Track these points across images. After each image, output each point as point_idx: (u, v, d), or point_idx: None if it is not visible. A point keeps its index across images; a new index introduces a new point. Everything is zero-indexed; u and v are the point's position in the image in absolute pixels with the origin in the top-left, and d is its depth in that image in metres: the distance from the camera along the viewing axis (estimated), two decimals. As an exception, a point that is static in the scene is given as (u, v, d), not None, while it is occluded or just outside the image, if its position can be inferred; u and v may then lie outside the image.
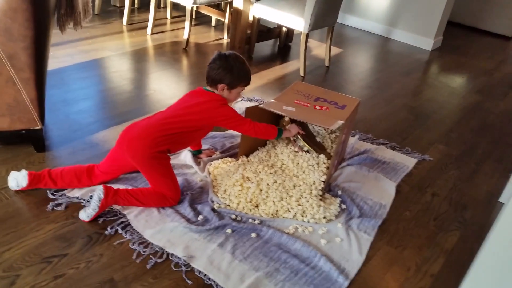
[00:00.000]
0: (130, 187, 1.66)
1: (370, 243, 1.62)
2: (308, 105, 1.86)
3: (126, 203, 1.57)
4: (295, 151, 1.93)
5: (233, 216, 1.64)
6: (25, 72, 1.64)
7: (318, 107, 1.85)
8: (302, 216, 1.67)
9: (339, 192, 1.84)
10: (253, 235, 1.56)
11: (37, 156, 1.81)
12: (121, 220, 1.54)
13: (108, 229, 1.50)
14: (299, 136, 1.94)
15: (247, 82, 1.71)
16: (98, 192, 1.50)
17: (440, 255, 1.65)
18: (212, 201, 1.70)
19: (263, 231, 1.58)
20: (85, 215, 1.52)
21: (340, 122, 1.73)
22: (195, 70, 2.92)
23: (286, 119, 2.00)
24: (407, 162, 2.20)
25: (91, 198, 1.55)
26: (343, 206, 1.78)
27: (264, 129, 1.73)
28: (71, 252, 1.40)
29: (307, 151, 1.94)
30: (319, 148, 1.98)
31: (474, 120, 2.85)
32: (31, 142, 1.83)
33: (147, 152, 1.55)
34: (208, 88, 1.70)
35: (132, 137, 1.56)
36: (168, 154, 1.63)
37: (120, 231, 1.50)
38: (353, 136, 2.33)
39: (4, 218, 1.49)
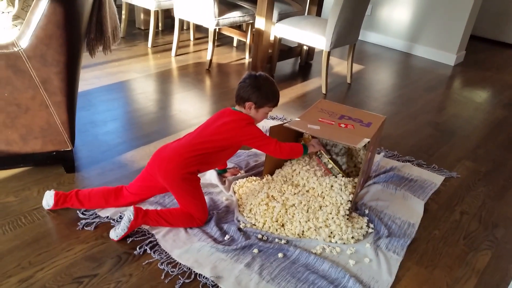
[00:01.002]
0: (159, 207, 1.69)
1: (399, 263, 1.59)
2: (333, 123, 1.86)
3: (155, 224, 1.59)
4: (318, 168, 1.92)
5: (260, 236, 1.64)
6: (57, 95, 1.70)
7: (343, 125, 1.85)
8: (330, 236, 1.65)
9: (366, 211, 1.82)
10: (280, 255, 1.55)
11: (67, 177, 1.85)
12: (150, 239, 1.56)
13: (137, 249, 1.51)
14: (323, 153, 1.93)
15: (275, 102, 1.72)
16: (128, 213, 1.53)
17: (472, 275, 1.60)
18: (238, 221, 1.71)
19: (290, 251, 1.57)
20: (114, 234, 1.54)
21: (366, 140, 1.72)
22: (218, 90, 2.97)
23: (306, 136, 2.01)
24: (435, 179, 2.16)
25: (120, 218, 1.58)
26: (371, 226, 1.75)
27: (289, 149, 1.73)
28: (101, 273, 1.42)
29: (331, 169, 1.93)
30: (338, 167, 1.96)
31: (501, 136, 2.79)
32: (61, 163, 1.88)
33: (178, 173, 1.57)
34: (236, 107, 1.71)
35: (163, 158, 1.60)
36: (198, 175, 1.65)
37: (148, 251, 1.52)
38: (379, 153, 2.31)
39: (36, 238, 1.52)
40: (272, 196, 1.78)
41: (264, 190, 1.80)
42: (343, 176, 1.89)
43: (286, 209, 1.71)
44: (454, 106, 3.22)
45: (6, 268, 1.39)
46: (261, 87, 1.66)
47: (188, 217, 1.61)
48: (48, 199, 1.62)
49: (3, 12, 1.80)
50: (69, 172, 1.87)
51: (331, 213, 1.70)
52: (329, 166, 1.93)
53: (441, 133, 2.74)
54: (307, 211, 1.70)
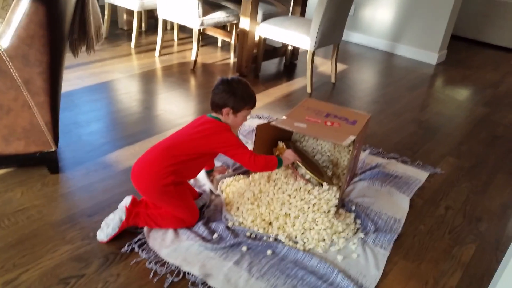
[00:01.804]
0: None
1: (386, 258, 1.61)
2: (319, 121, 1.87)
3: (144, 225, 1.58)
4: (295, 179, 1.84)
5: (248, 234, 1.63)
6: (40, 96, 1.67)
7: (329, 123, 1.86)
8: (319, 234, 1.65)
9: (353, 208, 1.84)
10: (269, 252, 1.55)
11: (52, 178, 1.82)
12: (138, 238, 1.55)
13: (126, 246, 1.50)
14: (299, 164, 1.83)
15: (252, 104, 1.68)
16: (120, 213, 1.52)
17: (458, 268, 1.63)
18: (226, 219, 1.70)
19: (279, 248, 1.58)
20: (103, 235, 1.52)
21: (352, 137, 1.74)
22: (203, 90, 2.96)
23: (281, 145, 1.95)
24: (419, 175, 2.19)
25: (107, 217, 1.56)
26: (358, 222, 1.77)
27: (264, 162, 1.67)
28: (88, 273, 1.40)
29: (309, 180, 1.84)
30: (319, 174, 1.88)
31: (483, 133, 2.85)
32: (45, 164, 1.85)
33: (153, 188, 1.54)
34: (213, 114, 1.66)
35: (137, 174, 1.56)
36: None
37: (136, 249, 1.50)
38: (364, 151, 2.34)
39: (20, 240, 1.49)
40: (258, 195, 1.77)
41: (251, 189, 1.80)
42: (326, 184, 1.81)
43: (272, 208, 1.71)
44: (437, 104, 3.28)
45: (-10, 270, 1.36)
46: (236, 91, 1.62)
47: (178, 220, 1.60)
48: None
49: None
50: (53, 173, 1.84)
51: (319, 211, 1.70)
52: (307, 176, 1.85)
53: (425, 130, 2.78)
54: (294, 208, 1.71)
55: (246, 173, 2.01)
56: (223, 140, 1.60)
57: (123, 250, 1.49)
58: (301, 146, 2.14)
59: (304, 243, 1.62)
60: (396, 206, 1.91)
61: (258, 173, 1.92)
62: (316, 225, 1.66)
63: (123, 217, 1.51)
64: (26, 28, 1.55)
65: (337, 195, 1.77)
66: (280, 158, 1.75)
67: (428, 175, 2.22)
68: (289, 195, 1.76)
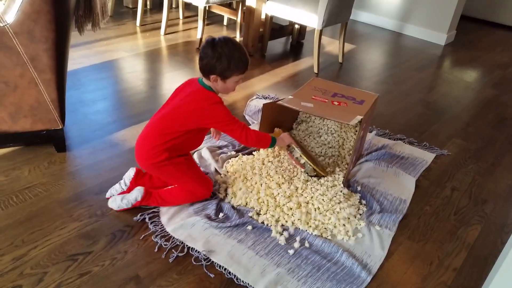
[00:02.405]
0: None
1: (391, 238, 1.62)
2: (326, 100, 1.86)
3: (156, 204, 1.60)
4: (291, 163, 1.82)
5: (251, 214, 1.63)
6: (47, 73, 1.66)
7: (336, 103, 1.84)
8: (324, 215, 1.65)
9: (359, 188, 1.84)
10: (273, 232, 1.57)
11: (58, 156, 1.83)
12: (152, 210, 1.59)
13: (138, 215, 1.54)
14: (295, 147, 1.79)
15: (241, 68, 1.49)
16: (137, 193, 1.55)
17: (462, 249, 1.63)
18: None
19: (284, 227, 1.59)
20: (115, 204, 1.56)
21: (359, 117, 1.73)
22: (209, 69, 2.93)
23: (277, 130, 1.92)
24: (426, 157, 2.18)
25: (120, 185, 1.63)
26: (363, 202, 1.77)
27: (255, 137, 1.58)
28: (95, 250, 1.41)
29: (303, 164, 1.79)
30: (314, 163, 1.82)
31: (491, 114, 2.82)
32: (52, 142, 1.85)
33: (149, 164, 1.53)
34: (204, 80, 1.53)
35: (136, 152, 1.57)
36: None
37: (147, 220, 1.53)
38: (370, 131, 2.32)
39: (29, 217, 1.51)
40: (266, 175, 1.76)
41: (257, 169, 1.79)
42: (318, 177, 1.79)
43: (279, 186, 1.71)
44: (445, 85, 3.24)
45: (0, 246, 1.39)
46: (221, 56, 1.43)
47: (188, 193, 1.59)
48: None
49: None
50: (60, 151, 1.85)
51: (327, 190, 1.70)
52: (302, 161, 1.79)
53: (432, 111, 2.75)
54: (301, 187, 1.71)
55: (252, 153, 2.00)
56: (214, 115, 1.50)
57: (135, 218, 1.53)
58: (306, 127, 2.13)
59: (311, 227, 1.61)
60: (402, 187, 1.91)
61: (262, 152, 1.91)
62: (325, 215, 1.64)
63: (139, 198, 1.55)
64: (32, 3, 1.53)
65: (341, 179, 1.77)
66: (274, 138, 1.68)
67: (434, 156, 2.21)
68: (294, 184, 1.74)
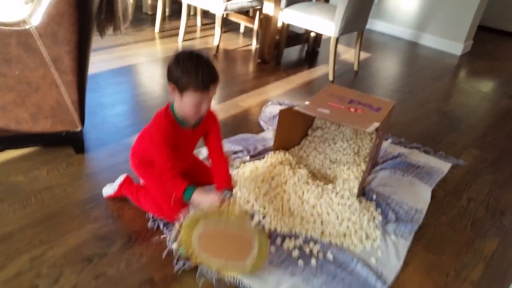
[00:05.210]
0: None
1: (407, 248, 1.60)
2: (343, 107, 1.85)
3: (131, 197, 1.61)
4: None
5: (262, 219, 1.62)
6: (68, 75, 1.69)
7: (352, 109, 1.84)
8: (339, 224, 1.64)
9: (374, 197, 1.83)
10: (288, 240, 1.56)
11: (77, 158, 1.85)
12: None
13: (151, 222, 1.55)
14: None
15: (194, 83, 1.31)
16: (120, 177, 1.62)
17: (480, 261, 1.61)
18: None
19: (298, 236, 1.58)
20: (104, 192, 1.64)
21: (376, 124, 1.72)
22: (225, 76, 2.96)
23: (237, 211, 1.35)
24: (442, 166, 2.16)
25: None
26: (379, 211, 1.75)
27: (170, 184, 1.38)
28: (111, 252, 1.43)
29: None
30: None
31: (508, 125, 2.78)
32: (70, 143, 1.88)
33: (132, 166, 1.64)
34: None
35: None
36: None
37: (161, 226, 1.53)
38: (386, 140, 2.31)
39: (46, 217, 1.53)
40: (281, 183, 1.76)
41: (270, 176, 1.78)
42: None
43: (289, 207, 1.67)
44: (461, 95, 3.21)
45: (17, 245, 1.40)
46: (179, 62, 1.32)
47: (156, 205, 1.54)
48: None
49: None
50: (78, 153, 1.88)
51: (343, 198, 1.69)
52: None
53: (448, 121, 2.73)
54: (316, 195, 1.70)
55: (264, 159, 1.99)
56: (149, 133, 1.48)
57: (149, 225, 1.53)
58: (322, 133, 2.13)
59: (325, 236, 1.59)
60: (417, 197, 1.89)
61: (275, 159, 1.89)
62: (341, 224, 1.62)
63: (120, 181, 1.62)
64: (56, 6, 1.56)
65: (356, 187, 1.76)
66: (191, 189, 1.38)
67: (450, 166, 2.18)
68: (308, 191, 1.72)
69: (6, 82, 1.62)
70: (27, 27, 1.56)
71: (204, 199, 1.37)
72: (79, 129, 1.82)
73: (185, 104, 1.36)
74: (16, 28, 1.55)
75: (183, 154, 1.54)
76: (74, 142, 1.87)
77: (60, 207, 1.58)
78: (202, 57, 1.35)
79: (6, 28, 1.55)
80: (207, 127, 1.53)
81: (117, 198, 1.64)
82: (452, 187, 2.04)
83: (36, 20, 1.56)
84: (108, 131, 2.08)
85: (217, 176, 1.50)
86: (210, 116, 1.53)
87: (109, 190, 1.64)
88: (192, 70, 1.30)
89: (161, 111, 1.46)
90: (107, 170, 1.80)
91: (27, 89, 1.66)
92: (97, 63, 2.77)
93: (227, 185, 1.47)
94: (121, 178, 1.64)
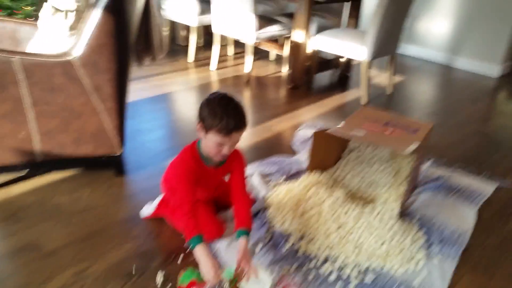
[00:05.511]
0: None
1: (453, 270, 1.53)
2: (378, 129, 1.83)
3: (167, 216, 1.65)
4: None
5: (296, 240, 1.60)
6: (109, 102, 1.77)
7: (388, 132, 1.81)
8: (379, 247, 1.59)
9: (416, 219, 1.76)
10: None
11: (117, 180, 1.90)
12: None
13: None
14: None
15: (218, 125, 1.33)
16: (158, 198, 1.67)
17: (533, 286, 1.51)
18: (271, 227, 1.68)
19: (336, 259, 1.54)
20: (143, 211, 1.68)
21: (414, 145, 1.68)
22: (257, 101, 3.00)
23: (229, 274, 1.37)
24: (485, 188, 2.07)
25: None
26: (422, 233, 1.69)
27: (184, 222, 1.37)
28: (150, 269, 1.43)
29: None
30: None
31: (554, 146, 2.66)
32: (111, 166, 1.94)
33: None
34: None
35: None
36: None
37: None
38: (425, 162, 2.25)
39: (88, 236, 1.57)
40: (312, 208, 1.72)
41: (305, 199, 1.75)
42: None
43: (325, 229, 1.63)
44: (501, 117, 3.11)
45: (62, 261, 1.45)
46: (209, 103, 1.38)
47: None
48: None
49: (60, 22, 1.91)
50: (118, 176, 1.93)
51: (377, 227, 1.63)
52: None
53: (489, 143, 2.64)
54: (355, 220, 1.66)
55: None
56: (171, 168, 1.60)
57: (185, 245, 1.52)
58: (357, 156, 2.10)
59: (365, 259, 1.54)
60: (461, 218, 1.82)
61: (310, 180, 1.88)
62: (380, 246, 1.57)
63: (158, 201, 1.68)
64: (97, 38, 1.65)
65: (397, 207, 1.72)
66: (198, 239, 1.34)
67: (495, 188, 2.09)
68: (345, 213, 1.69)
69: (50, 110, 1.70)
70: (69, 58, 1.65)
71: (203, 261, 1.32)
72: (118, 153, 1.88)
73: (208, 144, 1.40)
74: (60, 59, 1.65)
75: (207, 189, 1.59)
76: (114, 165, 1.93)
77: (102, 226, 1.62)
78: (232, 102, 1.38)
79: (51, 60, 1.64)
80: (231, 168, 1.55)
81: (155, 218, 1.66)
82: (497, 209, 1.95)
83: (78, 51, 1.65)
84: (147, 155, 2.14)
85: (237, 216, 1.49)
86: (235, 157, 1.54)
87: (147, 210, 1.67)
88: (218, 113, 1.34)
89: (188, 147, 1.51)
90: (145, 192, 1.83)
91: (70, 116, 1.74)
92: (135, 91, 2.87)
93: (246, 225, 1.46)
94: (158, 199, 1.66)
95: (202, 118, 1.38)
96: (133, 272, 1.42)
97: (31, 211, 1.67)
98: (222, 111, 1.34)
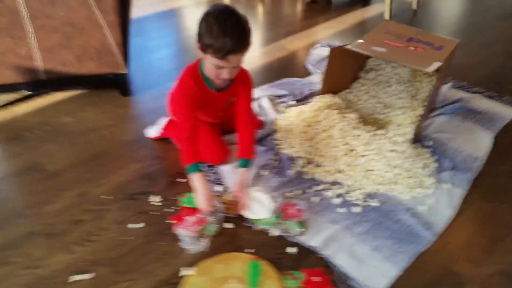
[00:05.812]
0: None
1: (462, 198, 1.49)
2: (401, 45, 1.70)
3: (173, 136, 1.62)
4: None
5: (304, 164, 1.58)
6: (111, 15, 1.67)
7: (412, 48, 1.68)
8: (390, 170, 1.55)
9: (430, 143, 1.71)
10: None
11: (123, 100, 1.87)
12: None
13: None
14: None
15: (214, 47, 1.18)
16: (165, 118, 1.63)
17: (543, 213, 1.48)
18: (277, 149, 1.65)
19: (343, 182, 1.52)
20: (149, 133, 1.65)
21: (437, 63, 1.56)
22: (271, 17, 2.84)
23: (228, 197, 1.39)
24: (506, 112, 1.97)
25: None
26: (434, 158, 1.64)
27: (183, 147, 1.33)
28: (155, 191, 1.44)
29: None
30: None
31: None
32: (116, 86, 1.89)
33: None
34: None
35: None
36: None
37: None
38: (446, 83, 2.13)
39: (94, 157, 1.57)
40: (323, 131, 1.66)
41: (314, 125, 1.68)
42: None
43: (335, 153, 1.59)
44: (534, 35, 2.88)
45: (66, 182, 1.46)
46: (208, 16, 1.20)
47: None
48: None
49: None
50: (124, 96, 1.89)
51: (390, 149, 1.58)
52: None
53: (517, 64, 2.47)
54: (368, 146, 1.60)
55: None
56: (172, 95, 1.48)
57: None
58: (375, 75, 1.99)
59: (374, 182, 1.52)
60: (477, 143, 1.75)
61: (321, 103, 1.80)
62: (391, 171, 1.53)
63: (160, 129, 1.63)
64: None
65: (411, 132, 1.65)
66: (196, 166, 1.31)
67: (516, 113, 1.99)
68: (358, 136, 1.63)
69: (50, 24, 1.63)
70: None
71: (198, 190, 1.30)
72: (124, 71, 1.82)
73: (207, 65, 1.27)
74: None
75: (212, 114, 1.49)
76: (120, 84, 1.88)
77: (107, 147, 1.62)
78: (232, 17, 1.19)
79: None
80: (237, 92, 1.42)
81: (162, 139, 1.64)
82: (517, 134, 1.87)
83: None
84: (154, 74, 2.07)
85: (239, 145, 1.42)
86: (242, 79, 1.40)
87: (153, 131, 1.64)
88: (214, 31, 1.17)
89: (190, 66, 1.37)
90: (152, 112, 1.79)
91: (72, 30, 1.66)
92: (141, 6, 2.73)
93: (247, 156, 1.40)
94: (165, 120, 1.63)
95: (199, 36, 1.23)
96: (136, 194, 1.43)
97: (36, 132, 1.67)
98: (219, 28, 1.16)
